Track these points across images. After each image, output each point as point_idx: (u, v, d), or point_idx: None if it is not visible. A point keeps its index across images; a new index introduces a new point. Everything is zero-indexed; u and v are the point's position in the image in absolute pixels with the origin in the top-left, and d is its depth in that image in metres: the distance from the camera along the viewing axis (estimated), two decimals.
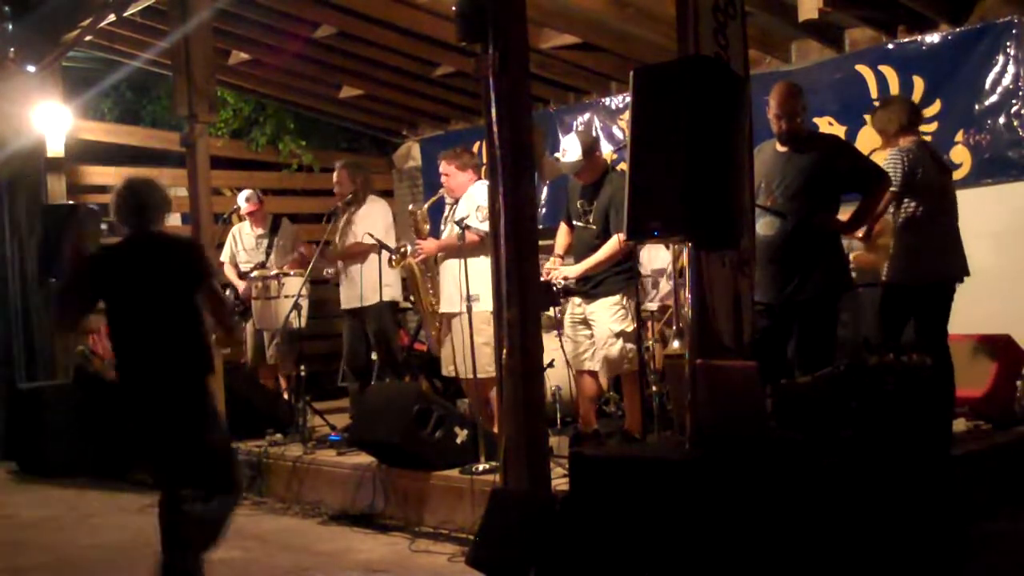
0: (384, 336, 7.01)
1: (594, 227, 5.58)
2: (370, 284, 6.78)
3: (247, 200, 7.92)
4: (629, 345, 5.43)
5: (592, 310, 5.60)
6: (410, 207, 6.65)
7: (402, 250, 6.32)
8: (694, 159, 3.62)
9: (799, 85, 5.21)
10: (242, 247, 8.01)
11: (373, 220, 6.96)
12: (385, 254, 6.69)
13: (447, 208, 6.29)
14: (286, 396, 7.51)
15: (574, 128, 8.62)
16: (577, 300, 5.72)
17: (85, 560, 5.32)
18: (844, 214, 5.20)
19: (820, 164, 5.00)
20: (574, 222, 5.77)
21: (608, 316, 5.52)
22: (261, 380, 7.79)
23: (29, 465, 7.70)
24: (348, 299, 7.08)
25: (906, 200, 5.22)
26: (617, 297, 5.52)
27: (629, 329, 5.44)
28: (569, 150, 5.61)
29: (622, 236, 5.22)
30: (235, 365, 7.78)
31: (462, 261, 5.50)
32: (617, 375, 5.74)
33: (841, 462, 3.73)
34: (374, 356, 6.97)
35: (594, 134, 7.72)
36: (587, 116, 8.57)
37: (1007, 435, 5.43)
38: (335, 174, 7.20)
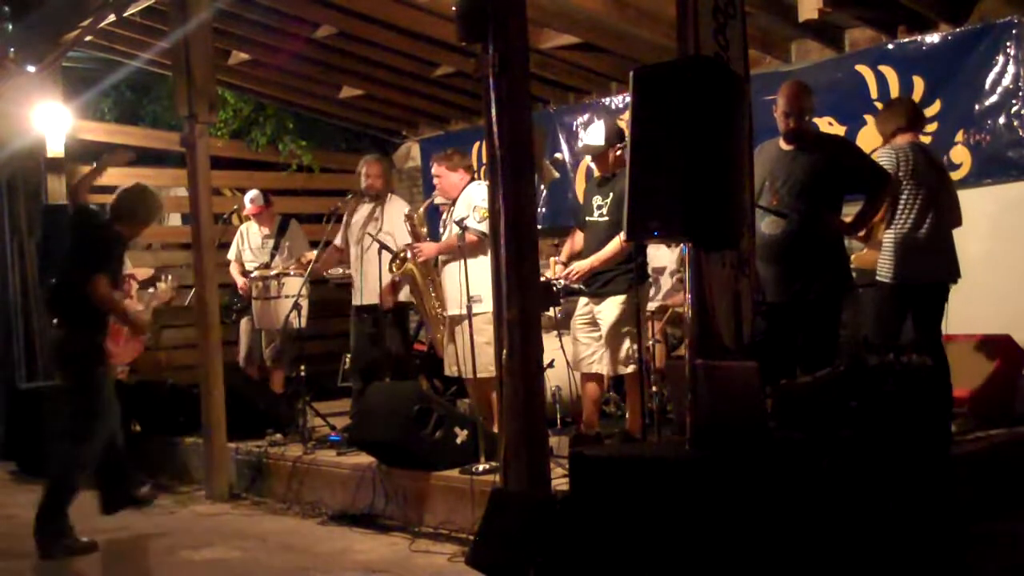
0: (401, 335, 6.99)
1: (607, 217, 5.57)
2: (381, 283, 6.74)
3: (251, 201, 7.92)
4: (635, 345, 5.42)
5: (600, 309, 5.58)
6: (405, 211, 6.62)
7: (401, 255, 6.30)
8: (694, 159, 3.62)
9: (807, 84, 5.22)
10: (248, 247, 8.01)
11: (395, 221, 6.74)
12: (385, 254, 6.67)
13: (444, 211, 6.29)
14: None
15: (574, 127, 8.65)
16: (584, 300, 5.70)
17: (85, 560, 5.32)
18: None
19: (826, 163, 5.00)
20: (587, 218, 5.76)
21: (617, 314, 5.51)
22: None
23: (29, 465, 7.70)
24: (366, 295, 6.91)
25: (897, 199, 5.24)
26: (625, 296, 5.50)
27: (636, 328, 5.42)
28: (593, 133, 5.69)
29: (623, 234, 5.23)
30: (233, 365, 7.80)
31: (462, 263, 5.50)
32: (619, 375, 5.73)
33: (841, 462, 3.73)
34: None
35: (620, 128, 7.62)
36: (587, 116, 8.57)
37: (1007, 435, 5.42)
38: (367, 167, 6.91)
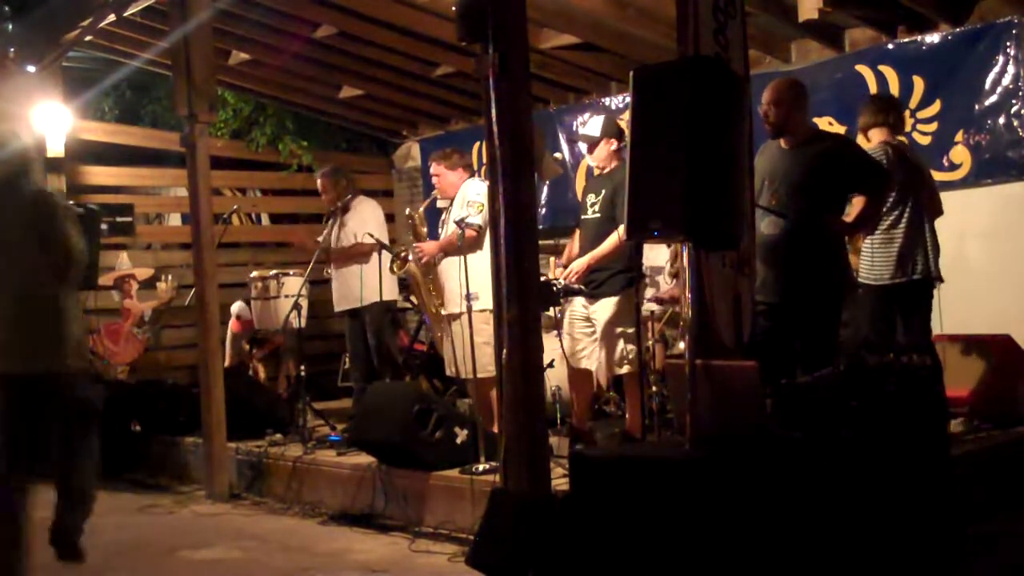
0: (383, 336, 7.01)
1: (599, 214, 5.57)
2: (368, 284, 6.78)
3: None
4: (630, 346, 5.42)
5: (595, 309, 5.58)
6: (407, 211, 6.66)
7: (402, 255, 6.32)
8: (694, 159, 3.62)
9: (800, 81, 5.21)
10: None
11: (364, 219, 6.98)
12: (384, 255, 6.69)
13: (444, 211, 6.31)
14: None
15: (574, 127, 8.64)
16: (580, 300, 5.71)
17: (85, 560, 5.31)
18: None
19: (824, 162, 4.98)
20: (583, 216, 5.76)
21: (610, 314, 5.51)
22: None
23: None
24: (343, 300, 7.08)
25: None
26: (620, 297, 5.50)
27: (630, 330, 5.42)
28: (591, 125, 5.75)
29: (622, 231, 5.23)
30: (234, 366, 7.81)
31: (461, 260, 5.50)
32: (618, 376, 5.73)
33: (841, 462, 3.73)
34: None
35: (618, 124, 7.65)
36: (587, 116, 8.56)
37: (1007, 435, 5.42)
38: (318, 184, 7.26)
